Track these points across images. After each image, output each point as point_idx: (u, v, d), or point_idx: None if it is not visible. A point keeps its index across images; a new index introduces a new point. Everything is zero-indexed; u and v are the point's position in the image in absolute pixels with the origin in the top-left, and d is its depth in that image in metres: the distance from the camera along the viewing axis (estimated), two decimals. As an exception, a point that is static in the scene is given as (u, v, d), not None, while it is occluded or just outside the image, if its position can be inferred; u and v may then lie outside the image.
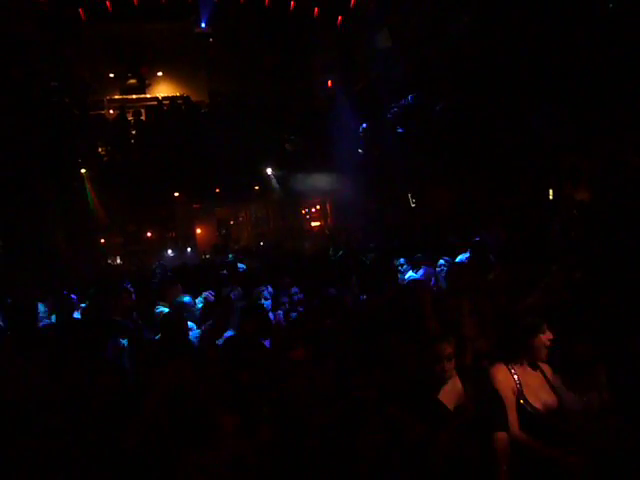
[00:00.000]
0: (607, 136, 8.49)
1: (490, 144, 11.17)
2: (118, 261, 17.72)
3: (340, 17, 17.67)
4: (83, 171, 14.53)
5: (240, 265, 10.28)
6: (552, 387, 3.35)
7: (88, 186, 14.54)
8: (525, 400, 3.27)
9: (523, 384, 3.31)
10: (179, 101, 17.84)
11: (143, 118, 16.44)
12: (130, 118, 16.45)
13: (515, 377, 3.33)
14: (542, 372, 3.41)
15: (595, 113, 8.55)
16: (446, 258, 7.30)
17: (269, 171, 16.43)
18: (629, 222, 7.05)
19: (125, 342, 4.75)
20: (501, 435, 3.15)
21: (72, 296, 6.94)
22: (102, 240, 17.43)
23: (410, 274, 7.71)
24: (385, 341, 3.94)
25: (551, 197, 11.75)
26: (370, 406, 3.28)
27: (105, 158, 14.77)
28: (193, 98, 18.09)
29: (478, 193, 12.55)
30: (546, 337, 3.39)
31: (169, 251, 18.56)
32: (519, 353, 3.39)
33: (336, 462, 3.09)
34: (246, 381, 3.50)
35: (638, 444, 3.04)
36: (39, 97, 12.65)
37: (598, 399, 3.30)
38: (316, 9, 17.67)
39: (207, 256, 16.99)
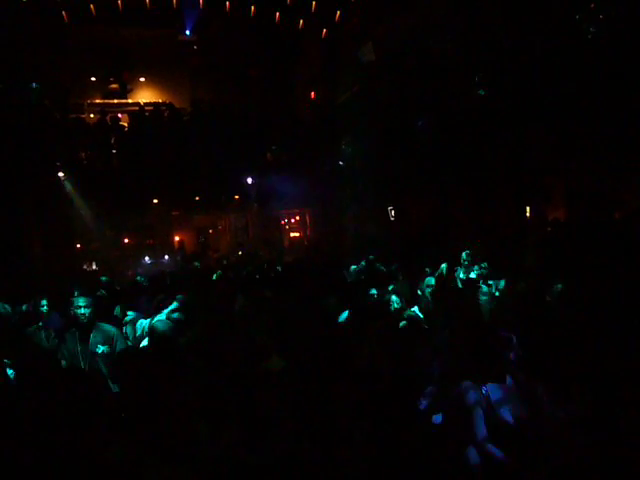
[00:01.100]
0: (581, 158, 8.66)
1: (470, 161, 11.31)
2: (94, 267, 17.47)
3: (325, 30, 17.81)
4: (61, 175, 14.33)
5: None
6: (525, 400, 3.39)
7: (72, 190, 14.34)
8: (495, 414, 3.31)
9: (493, 398, 3.35)
10: (162, 107, 17.76)
11: (123, 123, 16.31)
12: (110, 123, 16.30)
13: (484, 392, 3.37)
14: (517, 384, 3.45)
15: (572, 136, 8.73)
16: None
17: (250, 180, 16.39)
18: (600, 239, 7.21)
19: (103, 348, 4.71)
20: (472, 448, 3.19)
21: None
22: (78, 245, 17.18)
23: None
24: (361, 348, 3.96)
25: (528, 214, 11.94)
26: (347, 414, 3.29)
27: (84, 162, 14.59)
28: (175, 105, 18.01)
29: (456, 209, 12.69)
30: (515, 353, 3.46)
31: (146, 258, 18.36)
32: (492, 369, 3.44)
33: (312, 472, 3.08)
34: (223, 388, 3.49)
35: (604, 456, 3.09)
36: (19, 99, 12.49)
37: (576, 411, 3.35)
38: (301, 21, 17.80)
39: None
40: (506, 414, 3.33)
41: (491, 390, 3.38)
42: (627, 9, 7.28)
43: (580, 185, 8.75)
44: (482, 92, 9.65)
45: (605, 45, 7.54)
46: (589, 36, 7.88)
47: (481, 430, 3.28)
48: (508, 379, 3.47)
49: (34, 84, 12.64)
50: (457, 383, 3.53)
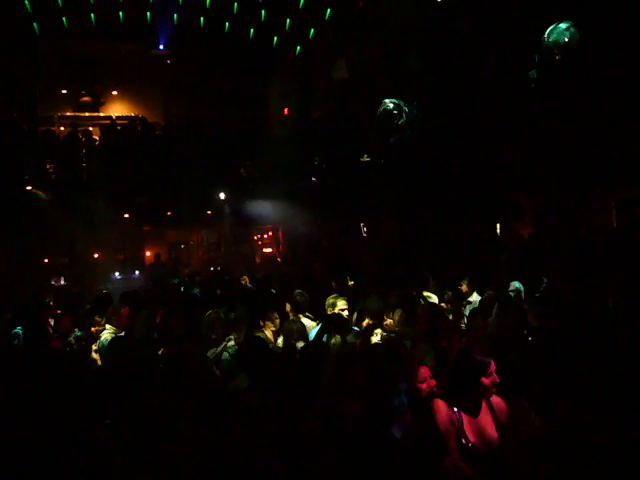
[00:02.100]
0: (549, 176, 8.83)
1: (441, 178, 11.44)
2: (62, 282, 17.13)
3: (298, 47, 17.95)
4: (29, 188, 14.06)
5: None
6: (498, 424, 3.38)
7: (41, 204, 14.06)
8: (465, 437, 3.30)
9: (464, 420, 3.34)
10: (135, 121, 17.63)
11: (95, 137, 16.15)
12: (81, 137, 16.11)
13: (455, 411, 3.36)
14: (490, 409, 3.43)
15: (539, 155, 8.91)
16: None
17: (222, 196, 16.32)
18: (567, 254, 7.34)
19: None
20: (445, 461, 3.20)
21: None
22: (46, 260, 16.85)
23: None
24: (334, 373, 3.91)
25: (498, 231, 12.10)
26: (313, 439, 3.24)
27: (53, 176, 14.34)
28: (148, 119, 17.91)
29: (428, 225, 12.80)
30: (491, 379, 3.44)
31: (116, 274, 18.08)
32: (465, 393, 3.43)
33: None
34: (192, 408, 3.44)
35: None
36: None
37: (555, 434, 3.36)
38: (275, 38, 17.92)
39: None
40: (475, 437, 3.32)
41: (464, 410, 3.38)
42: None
43: (548, 202, 8.92)
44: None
45: (568, 71, 7.70)
46: (556, 58, 8.07)
47: (452, 447, 3.28)
48: (489, 401, 3.46)
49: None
50: (430, 400, 3.51)
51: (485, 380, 3.37)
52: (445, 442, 3.27)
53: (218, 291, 10.09)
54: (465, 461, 3.26)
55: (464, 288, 7.53)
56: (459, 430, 3.31)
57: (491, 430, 3.36)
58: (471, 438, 3.30)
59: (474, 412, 3.39)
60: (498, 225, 12.26)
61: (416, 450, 3.26)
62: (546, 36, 7.01)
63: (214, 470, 3.11)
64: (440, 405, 3.41)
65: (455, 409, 3.36)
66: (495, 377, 3.41)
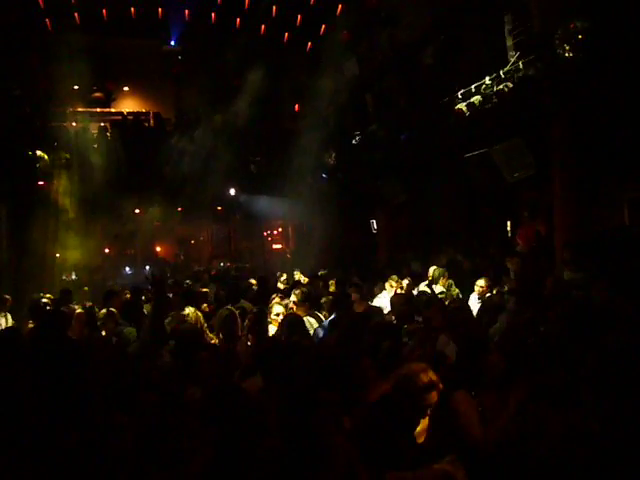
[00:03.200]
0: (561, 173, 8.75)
1: (451, 175, 11.40)
2: (73, 277, 17.23)
3: (310, 43, 17.91)
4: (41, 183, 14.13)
5: None
6: (513, 421, 3.37)
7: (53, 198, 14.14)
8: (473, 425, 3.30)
9: (483, 410, 3.35)
10: (147, 116, 17.69)
11: (108, 133, 16.20)
12: (94, 132, 16.18)
13: (475, 400, 3.38)
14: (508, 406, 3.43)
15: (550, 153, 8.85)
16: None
17: (232, 192, 16.35)
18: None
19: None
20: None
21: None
22: (57, 255, 16.95)
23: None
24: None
25: (509, 228, 12.05)
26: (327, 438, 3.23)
27: (63, 169, 14.36)
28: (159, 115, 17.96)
29: (438, 221, 12.78)
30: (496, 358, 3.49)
31: (127, 268, 18.21)
32: (474, 373, 3.45)
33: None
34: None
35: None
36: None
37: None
38: (286, 34, 17.89)
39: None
40: (490, 430, 3.31)
41: (484, 402, 3.39)
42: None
43: (559, 200, 8.85)
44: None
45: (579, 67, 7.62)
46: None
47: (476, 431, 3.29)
48: (497, 394, 3.46)
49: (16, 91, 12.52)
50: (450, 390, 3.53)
51: (491, 358, 3.47)
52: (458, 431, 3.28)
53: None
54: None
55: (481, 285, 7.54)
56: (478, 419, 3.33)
57: (504, 425, 3.35)
58: (486, 430, 3.30)
59: (493, 405, 3.38)
60: (509, 222, 12.21)
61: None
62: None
63: (221, 470, 3.09)
64: (462, 396, 3.43)
65: (475, 399, 3.39)
66: (499, 355, 3.47)
